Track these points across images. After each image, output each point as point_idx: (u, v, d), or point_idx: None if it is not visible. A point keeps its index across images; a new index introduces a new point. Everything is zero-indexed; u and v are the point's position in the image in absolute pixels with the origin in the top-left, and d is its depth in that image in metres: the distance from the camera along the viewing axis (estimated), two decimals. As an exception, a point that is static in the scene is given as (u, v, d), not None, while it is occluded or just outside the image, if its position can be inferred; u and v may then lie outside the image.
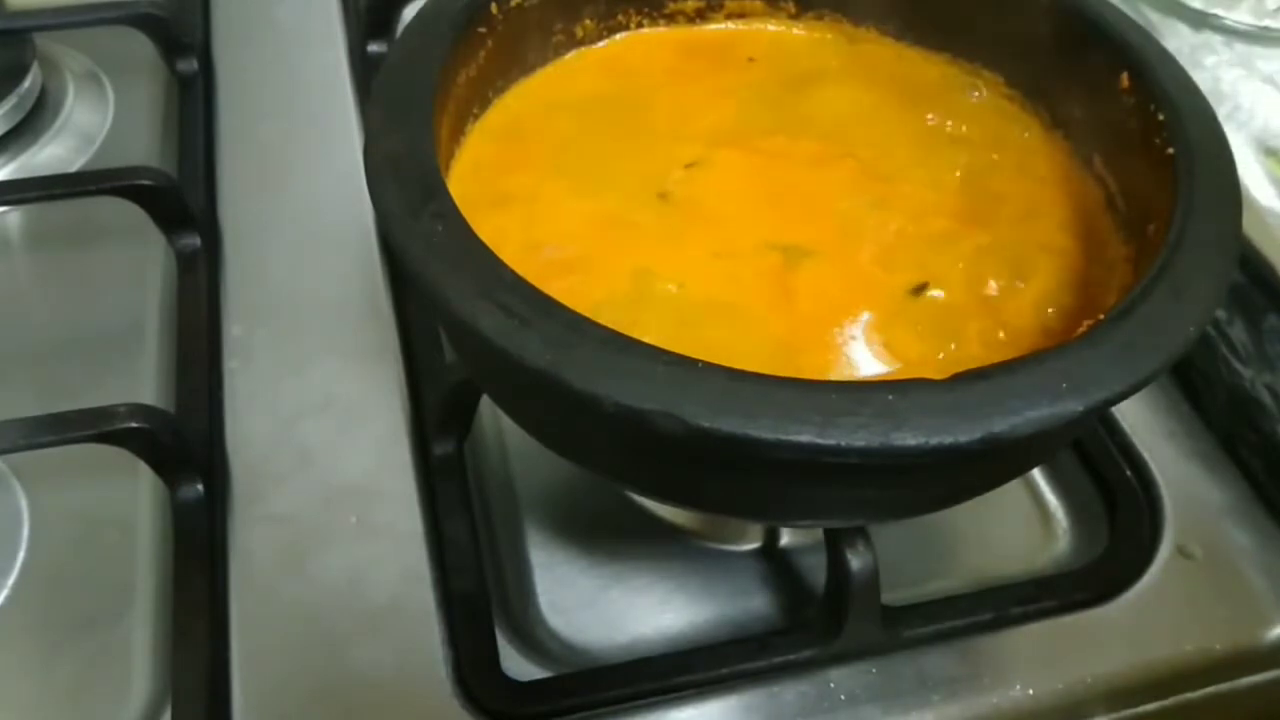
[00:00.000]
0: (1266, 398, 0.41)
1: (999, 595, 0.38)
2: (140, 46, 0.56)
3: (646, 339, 0.25)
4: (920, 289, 0.33)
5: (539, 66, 0.40)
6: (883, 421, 0.24)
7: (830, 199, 0.36)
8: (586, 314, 0.26)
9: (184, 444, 0.38)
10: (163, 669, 0.36)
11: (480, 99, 0.38)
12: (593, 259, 0.34)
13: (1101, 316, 0.28)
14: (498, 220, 0.34)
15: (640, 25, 0.42)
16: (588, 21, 0.40)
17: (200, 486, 0.38)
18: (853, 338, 0.32)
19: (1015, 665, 0.36)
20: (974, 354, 0.32)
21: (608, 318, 0.26)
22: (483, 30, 0.36)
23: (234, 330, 0.44)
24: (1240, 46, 0.50)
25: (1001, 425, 0.24)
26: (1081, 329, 0.31)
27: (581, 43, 0.41)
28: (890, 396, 0.24)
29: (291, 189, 0.50)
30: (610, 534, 0.40)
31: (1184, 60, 0.34)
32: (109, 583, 0.38)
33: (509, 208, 0.35)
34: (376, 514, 0.39)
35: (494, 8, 0.37)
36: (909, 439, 0.24)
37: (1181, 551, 0.39)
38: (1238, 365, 0.42)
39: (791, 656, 0.36)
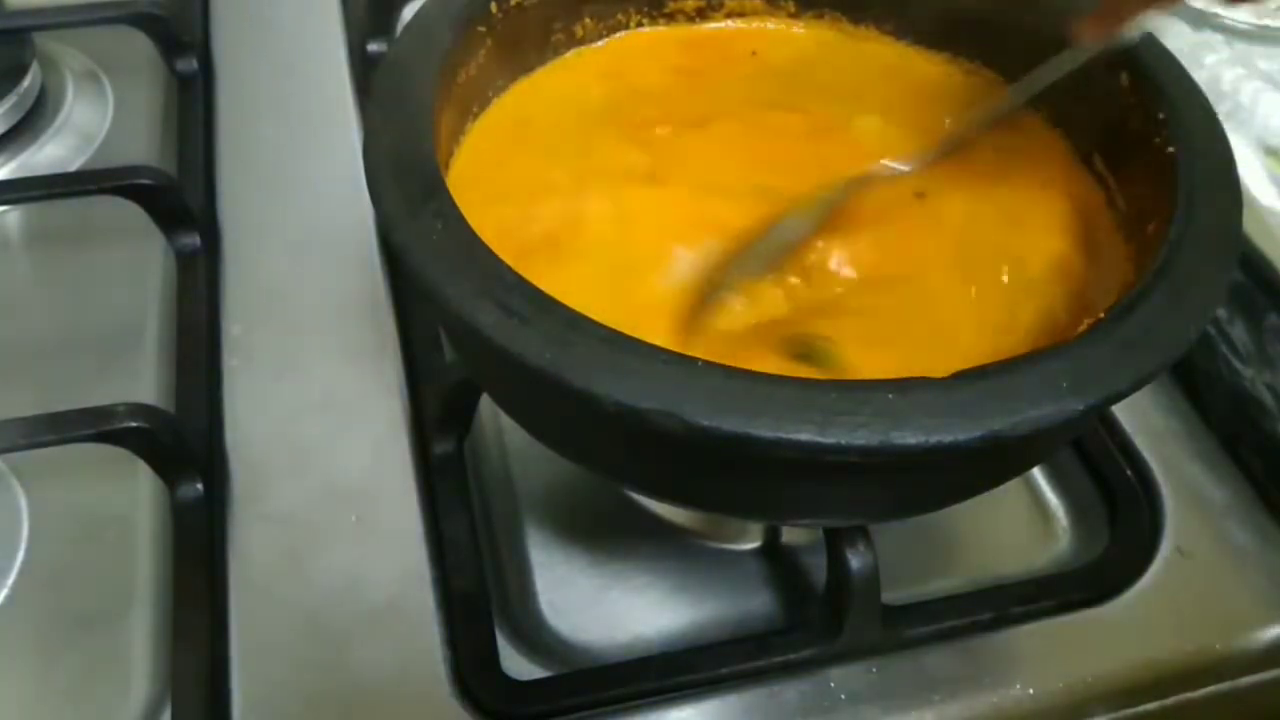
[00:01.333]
0: (1267, 397, 0.41)
1: (999, 595, 0.38)
2: (140, 46, 0.56)
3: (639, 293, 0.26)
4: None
5: (539, 65, 0.40)
6: (883, 420, 0.24)
7: (823, 171, 0.36)
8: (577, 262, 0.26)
9: (183, 443, 0.38)
10: (162, 668, 0.36)
11: (480, 97, 0.38)
12: (582, 213, 0.35)
13: (1101, 315, 0.28)
14: (497, 213, 0.34)
15: (640, 24, 0.42)
16: (588, 20, 0.40)
17: (200, 486, 0.38)
18: None
19: (1016, 664, 0.36)
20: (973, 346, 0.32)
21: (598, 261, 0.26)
22: (482, 29, 0.36)
23: (233, 329, 0.44)
24: (1240, 45, 0.50)
25: (1001, 424, 0.24)
26: (1081, 328, 0.31)
27: (581, 42, 0.41)
28: (890, 395, 0.24)
29: (291, 188, 0.50)
30: (610, 533, 0.40)
31: (1184, 59, 0.34)
32: (108, 582, 0.38)
33: (508, 203, 0.35)
34: (376, 513, 0.39)
35: (494, 7, 0.37)
36: (909, 438, 0.24)
37: (1182, 551, 0.39)
38: (1238, 364, 0.42)
39: (792, 656, 0.36)
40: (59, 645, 0.36)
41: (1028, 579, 0.39)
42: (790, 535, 0.40)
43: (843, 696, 0.35)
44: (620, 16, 0.41)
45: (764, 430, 0.24)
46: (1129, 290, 0.28)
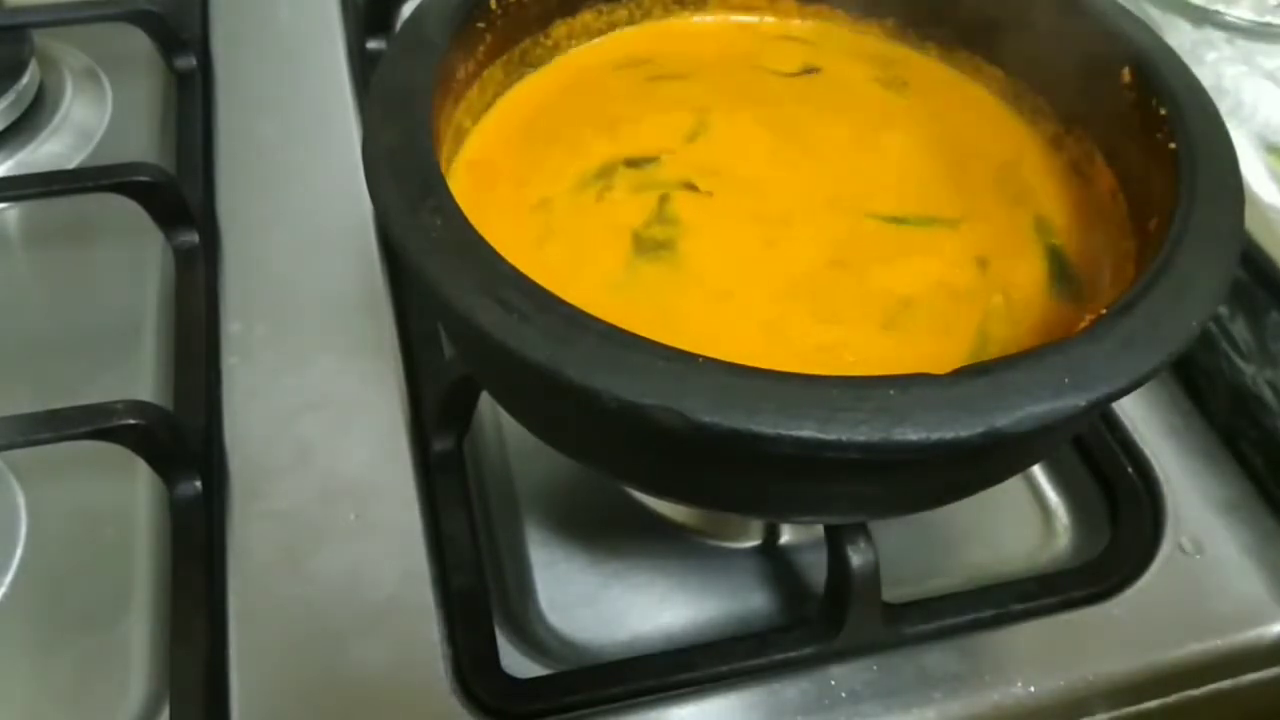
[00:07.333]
0: (1268, 394, 0.41)
1: (1000, 592, 0.38)
2: (139, 43, 0.56)
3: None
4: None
5: (539, 62, 0.40)
6: (884, 416, 0.24)
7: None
8: None
9: (182, 441, 0.38)
10: (161, 667, 0.35)
11: (480, 94, 0.38)
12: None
13: (1103, 312, 0.28)
14: (496, 204, 0.34)
15: (640, 21, 0.42)
16: (586, 16, 0.40)
17: (198, 483, 0.38)
18: None
19: (1016, 662, 0.36)
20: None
21: None
22: (481, 25, 0.36)
23: (232, 327, 0.44)
24: (1241, 42, 0.50)
25: (1003, 420, 0.24)
26: (1083, 324, 0.31)
27: (582, 38, 0.41)
28: (891, 392, 0.24)
29: (290, 185, 0.50)
30: (610, 531, 0.40)
31: (1185, 56, 0.34)
32: (107, 580, 0.38)
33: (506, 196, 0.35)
34: (375, 511, 0.38)
35: (493, 3, 0.37)
36: (910, 434, 0.24)
37: (1183, 548, 0.39)
38: (1239, 361, 0.42)
39: (792, 654, 0.36)
40: (58, 643, 0.36)
41: (1028, 577, 0.39)
42: (791, 533, 0.40)
43: (843, 694, 0.35)
44: (621, 12, 0.41)
45: (765, 426, 0.24)
46: (1131, 286, 0.28)
